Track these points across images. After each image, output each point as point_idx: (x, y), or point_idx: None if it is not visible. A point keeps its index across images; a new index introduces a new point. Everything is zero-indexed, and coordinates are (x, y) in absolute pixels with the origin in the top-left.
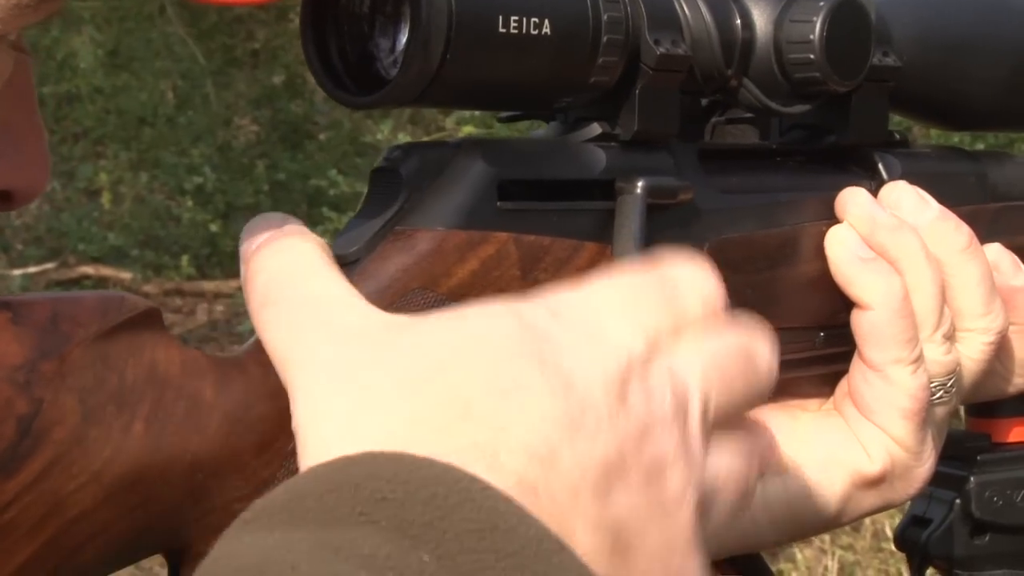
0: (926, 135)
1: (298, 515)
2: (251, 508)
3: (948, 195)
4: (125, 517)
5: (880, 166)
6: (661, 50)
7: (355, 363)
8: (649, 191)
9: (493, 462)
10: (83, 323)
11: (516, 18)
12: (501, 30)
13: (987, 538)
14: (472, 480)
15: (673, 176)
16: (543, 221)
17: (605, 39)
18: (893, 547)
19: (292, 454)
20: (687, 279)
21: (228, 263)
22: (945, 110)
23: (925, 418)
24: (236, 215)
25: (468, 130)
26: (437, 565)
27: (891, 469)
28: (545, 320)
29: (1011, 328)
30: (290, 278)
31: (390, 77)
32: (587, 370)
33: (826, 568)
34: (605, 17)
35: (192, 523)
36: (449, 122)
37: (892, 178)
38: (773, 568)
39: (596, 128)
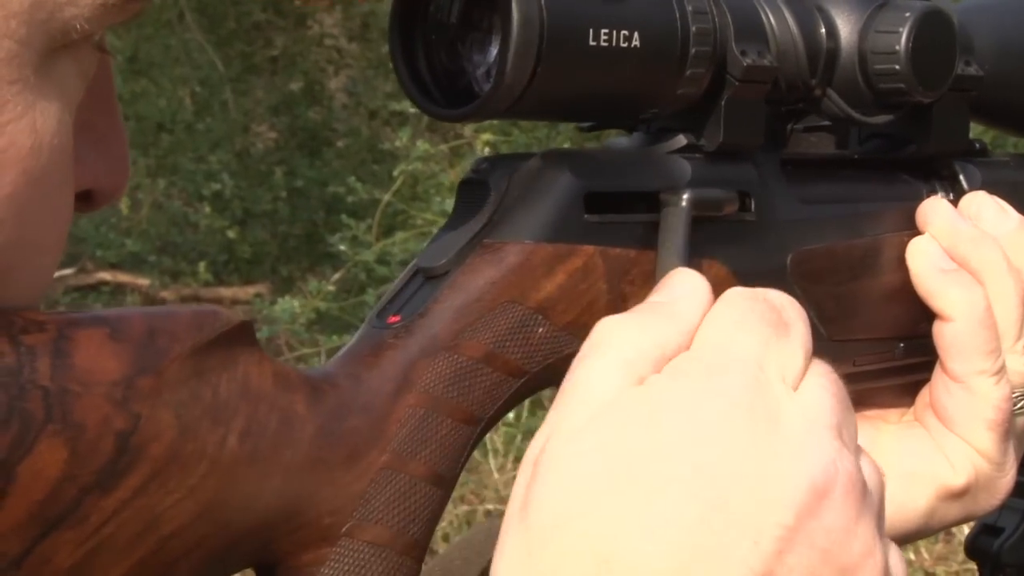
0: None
1: None
2: None
3: None
4: (219, 533)
5: (960, 176)
6: (748, 61)
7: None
8: (695, 203)
9: None
10: (179, 338)
11: (606, 31)
12: (591, 43)
13: None
14: None
15: (758, 187)
16: (629, 233)
17: (693, 51)
18: (911, 556)
19: (382, 468)
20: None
21: (245, 269)
22: (1016, 117)
23: (1008, 429)
24: (254, 222)
25: (486, 137)
26: None
27: (975, 481)
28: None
29: None
30: None
31: (480, 90)
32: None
33: None
34: (693, 29)
35: (283, 537)
36: (467, 130)
37: (972, 187)
38: None
39: (681, 139)
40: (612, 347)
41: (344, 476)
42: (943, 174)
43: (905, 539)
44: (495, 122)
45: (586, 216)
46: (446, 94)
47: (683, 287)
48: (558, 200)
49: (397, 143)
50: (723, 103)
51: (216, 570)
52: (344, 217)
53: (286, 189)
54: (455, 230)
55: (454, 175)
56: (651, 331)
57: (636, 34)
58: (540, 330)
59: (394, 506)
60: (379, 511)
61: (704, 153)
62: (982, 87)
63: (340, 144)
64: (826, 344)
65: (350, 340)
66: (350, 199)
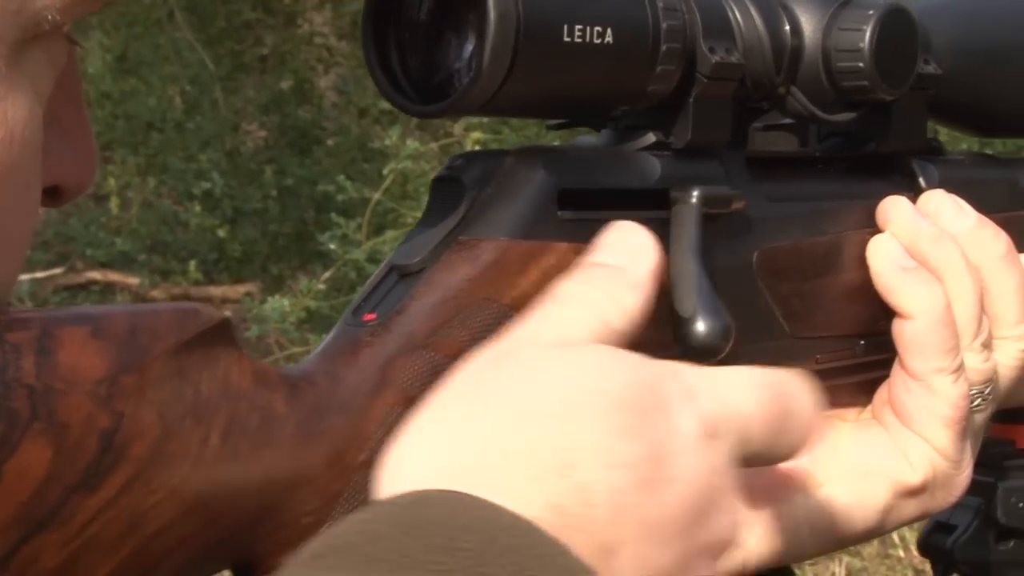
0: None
1: (373, 557)
2: (321, 543)
3: (982, 202)
4: (201, 532)
5: (918, 174)
6: (716, 58)
7: (469, 393)
8: (704, 200)
9: (571, 535)
10: (161, 336)
11: (580, 27)
12: (566, 39)
13: (1011, 544)
14: (542, 535)
15: (725, 184)
16: (600, 230)
17: (664, 48)
18: (900, 553)
19: (361, 467)
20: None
21: (235, 268)
22: (981, 117)
23: (965, 427)
24: (244, 220)
25: (476, 136)
26: None
27: (932, 478)
28: (667, 384)
29: None
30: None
31: (456, 86)
32: (682, 477)
33: (833, 574)
34: (664, 26)
35: (264, 538)
36: (457, 128)
37: (930, 185)
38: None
39: (650, 137)
40: (576, 304)
41: (323, 476)
42: (901, 172)
43: (863, 537)
44: (484, 120)
45: (559, 213)
46: (421, 91)
47: (635, 247)
48: (532, 197)
49: (387, 142)
50: (692, 100)
51: (196, 570)
52: (334, 216)
53: (276, 188)
54: (430, 227)
55: None
56: (618, 300)
57: (609, 30)
58: None
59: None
60: (359, 506)
61: (673, 151)
62: (939, 86)
63: (330, 143)
64: (790, 342)
65: (325, 338)
66: (340, 198)
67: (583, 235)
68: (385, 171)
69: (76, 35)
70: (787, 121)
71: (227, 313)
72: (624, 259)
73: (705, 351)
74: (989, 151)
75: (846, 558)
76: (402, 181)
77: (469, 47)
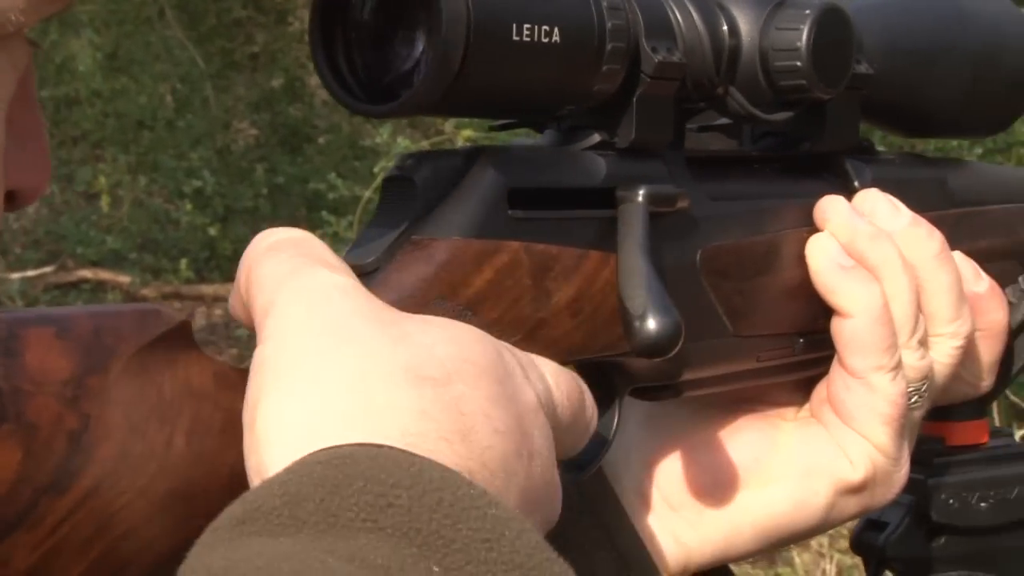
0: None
1: (299, 519)
2: (241, 508)
3: (913, 201)
4: (168, 533)
5: (851, 173)
6: (658, 58)
7: (360, 344)
8: (650, 199)
9: (475, 475)
10: (124, 337)
11: (529, 26)
12: (515, 38)
13: (943, 540)
14: (472, 487)
15: (669, 183)
16: (549, 229)
17: (609, 47)
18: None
19: None
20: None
21: (226, 266)
22: (909, 117)
23: (904, 424)
24: (235, 219)
25: (467, 134)
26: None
27: (873, 475)
28: (507, 357)
29: (976, 333)
30: (297, 269)
31: (407, 86)
32: (541, 449)
33: (824, 572)
34: (609, 25)
35: None
36: (448, 126)
37: (863, 185)
38: (771, 572)
39: (595, 136)
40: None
41: None
42: (835, 171)
43: (806, 534)
44: (475, 119)
45: (510, 212)
46: (370, 90)
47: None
48: (483, 196)
49: (378, 139)
50: (635, 100)
51: (166, 570)
52: (325, 214)
53: (267, 186)
54: (382, 227)
55: None
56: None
57: (556, 29)
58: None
59: None
60: None
61: (616, 150)
62: (871, 86)
63: (321, 141)
64: (732, 340)
65: None
66: (331, 196)
67: (533, 234)
68: (376, 169)
69: (65, 34)
70: (721, 122)
71: (185, 315)
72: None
73: (656, 349)
74: (906, 152)
75: (836, 555)
76: None
77: (419, 46)
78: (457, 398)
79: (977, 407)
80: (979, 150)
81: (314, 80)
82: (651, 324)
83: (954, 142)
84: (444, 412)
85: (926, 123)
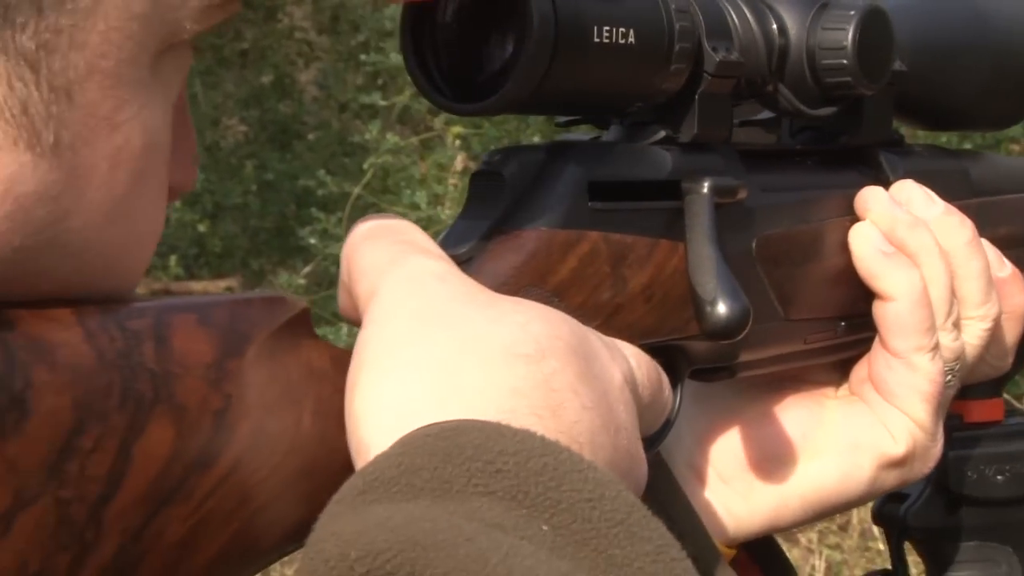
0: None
1: (416, 487)
2: (361, 480)
3: (940, 191)
4: (296, 509)
5: (885, 165)
6: (719, 57)
7: (456, 327)
8: (714, 190)
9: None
10: (256, 323)
11: (608, 28)
12: (595, 40)
13: (961, 511)
14: (571, 453)
15: (728, 176)
16: (624, 220)
17: (677, 47)
18: (880, 546)
19: None
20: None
21: (216, 263)
22: (934, 112)
23: (941, 401)
24: (224, 215)
25: (457, 130)
26: (555, 534)
27: (913, 450)
28: (593, 337)
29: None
30: (396, 256)
31: (494, 85)
32: (626, 424)
33: (813, 568)
34: (677, 27)
35: None
36: (438, 122)
37: (895, 176)
38: None
39: (660, 132)
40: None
41: None
42: (869, 164)
43: (849, 505)
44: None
45: (590, 204)
46: (458, 91)
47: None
48: (566, 189)
49: (367, 136)
50: (697, 97)
51: (286, 547)
52: (314, 210)
53: (256, 182)
54: (473, 219)
55: (425, 168)
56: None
57: (632, 31)
58: None
59: None
60: None
61: (679, 145)
62: (901, 82)
63: (311, 137)
64: (783, 323)
65: None
66: (320, 192)
67: (610, 224)
68: (365, 165)
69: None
70: (761, 117)
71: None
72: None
73: (727, 332)
74: (930, 144)
75: (826, 551)
76: (383, 175)
77: (508, 48)
78: (548, 375)
79: (993, 387)
80: (968, 145)
81: (304, 77)
82: (722, 308)
83: (943, 137)
84: (536, 389)
85: (948, 117)
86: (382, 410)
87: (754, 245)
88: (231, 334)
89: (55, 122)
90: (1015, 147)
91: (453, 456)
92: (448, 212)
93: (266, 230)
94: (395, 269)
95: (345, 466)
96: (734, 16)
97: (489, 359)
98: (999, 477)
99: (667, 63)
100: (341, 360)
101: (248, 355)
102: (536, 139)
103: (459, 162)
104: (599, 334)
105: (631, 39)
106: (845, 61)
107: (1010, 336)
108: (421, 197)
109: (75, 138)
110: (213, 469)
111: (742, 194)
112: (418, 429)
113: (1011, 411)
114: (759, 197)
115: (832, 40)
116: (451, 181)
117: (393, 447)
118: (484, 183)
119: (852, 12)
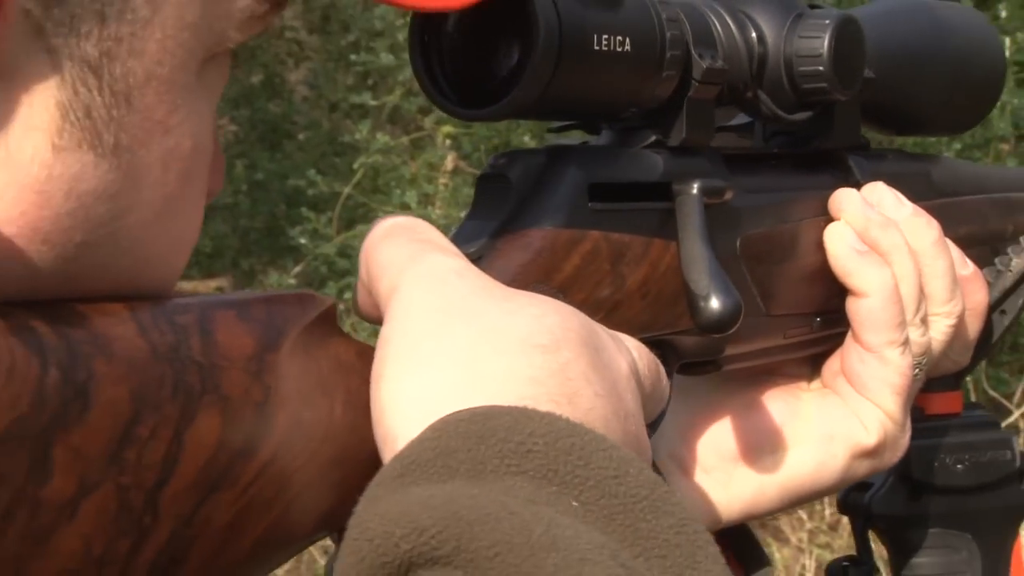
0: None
1: (451, 468)
2: (399, 464)
3: (905, 192)
4: (328, 496)
5: (853, 167)
6: (706, 64)
7: (475, 320)
8: (704, 191)
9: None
10: (290, 318)
11: (606, 37)
12: (595, 48)
13: (923, 499)
14: (595, 433)
15: (715, 178)
16: (620, 220)
17: (668, 55)
18: (871, 545)
19: None
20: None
21: (205, 263)
22: (898, 117)
23: (910, 393)
24: (214, 215)
25: (447, 130)
26: (584, 510)
27: (884, 440)
28: (599, 330)
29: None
30: (415, 254)
31: (501, 91)
32: (633, 412)
33: (804, 567)
34: (668, 35)
35: None
36: (428, 122)
37: (864, 178)
38: None
39: (650, 136)
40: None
41: None
42: (839, 166)
43: (822, 494)
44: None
45: (590, 204)
46: (461, 97)
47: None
48: (569, 191)
49: (357, 136)
50: (685, 103)
51: (317, 533)
52: (304, 210)
53: (247, 182)
54: (481, 219)
55: (415, 167)
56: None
57: (627, 39)
58: None
59: None
60: None
61: (669, 148)
62: (867, 89)
63: (301, 137)
64: (764, 319)
65: None
66: (311, 192)
67: (609, 224)
68: (356, 165)
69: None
70: (737, 122)
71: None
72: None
73: (720, 326)
74: (895, 148)
75: (816, 551)
76: (373, 175)
77: (514, 56)
78: (564, 364)
79: (953, 380)
80: (958, 145)
81: (293, 76)
82: (715, 304)
83: (932, 138)
84: (552, 377)
85: (910, 122)
86: (408, 401)
87: (738, 244)
88: (268, 328)
89: (115, 125)
90: (1004, 146)
91: (486, 438)
92: (438, 212)
93: (256, 230)
94: (415, 266)
95: (372, 455)
96: (717, 25)
97: (508, 350)
98: (959, 466)
99: (659, 70)
100: (366, 353)
101: (284, 348)
102: (527, 139)
103: (449, 162)
104: (604, 327)
105: (627, 47)
106: (821, 68)
107: (971, 332)
108: (411, 197)
109: (132, 140)
110: (256, 457)
111: (729, 195)
112: (450, 415)
113: (969, 404)
114: (742, 198)
115: (809, 48)
116: (441, 181)
117: (426, 432)
118: (491, 185)
119: (827, 21)
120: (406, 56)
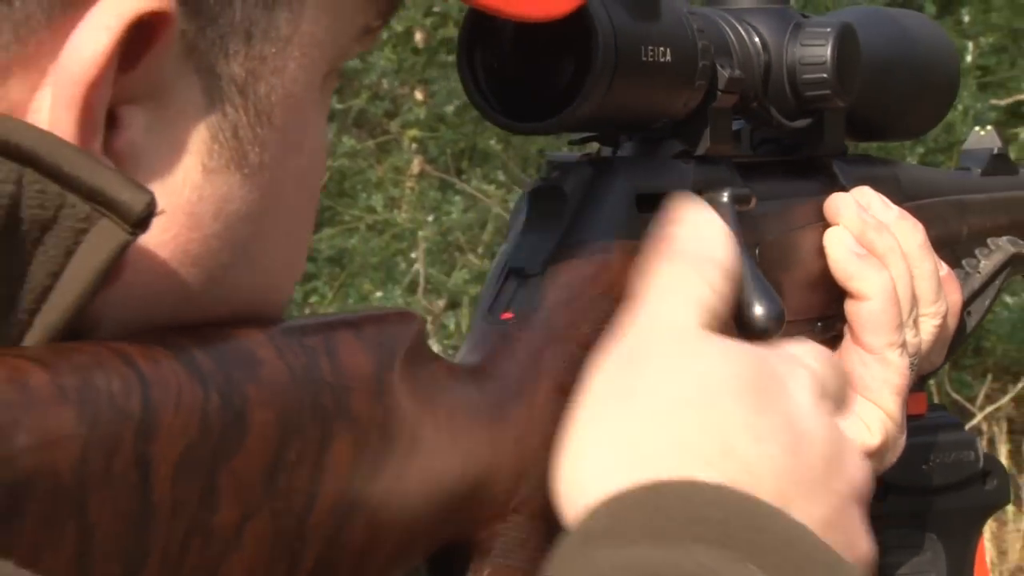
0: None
1: (631, 536)
2: (582, 532)
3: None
4: (435, 506)
5: (838, 174)
6: (727, 74)
7: (638, 386)
8: (734, 199)
9: (741, 484)
10: (398, 337)
11: (651, 48)
12: (643, 59)
13: (888, 499)
14: (765, 503)
15: (737, 186)
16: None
17: (700, 65)
18: None
19: (539, 448)
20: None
21: None
22: (867, 123)
23: (907, 393)
24: None
25: (412, 133)
26: (764, 574)
27: (886, 441)
28: (772, 357)
29: None
30: None
31: (555, 104)
32: (813, 435)
33: None
34: (699, 45)
35: (474, 513)
36: (394, 125)
37: (848, 183)
38: None
39: (678, 146)
40: (683, 291)
41: (512, 457)
42: (825, 172)
43: None
44: (420, 118)
45: (640, 215)
46: (510, 110)
47: (714, 230)
48: (620, 201)
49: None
50: (709, 112)
51: (427, 541)
52: None
53: None
54: (539, 232)
55: (381, 171)
56: (714, 286)
57: (668, 50)
58: None
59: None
60: (536, 486)
61: (695, 157)
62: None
63: None
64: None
65: (470, 335)
66: None
67: None
68: None
69: None
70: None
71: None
72: (709, 243)
73: (764, 332)
74: (862, 153)
75: None
76: (339, 178)
77: (569, 69)
78: (717, 417)
79: (919, 382)
80: (921, 149)
81: None
82: (758, 310)
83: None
84: (704, 436)
85: (878, 128)
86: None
87: (757, 252)
88: (383, 348)
89: (259, 144)
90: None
91: (661, 508)
92: (404, 215)
93: None
94: None
95: (463, 472)
96: (731, 34)
97: (663, 411)
98: (924, 467)
99: (692, 79)
100: (454, 371)
101: (396, 367)
102: (492, 140)
103: (415, 165)
104: (777, 349)
105: (668, 57)
106: (825, 75)
107: (950, 332)
108: (378, 200)
109: (272, 159)
110: (382, 477)
111: (753, 203)
112: (619, 491)
113: (932, 405)
114: (758, 205)
115: (812, 55)
116: (408, 184)
117: (601, 504)
118: (545, 198)
119: (828, 29)
120: (372, 60)
